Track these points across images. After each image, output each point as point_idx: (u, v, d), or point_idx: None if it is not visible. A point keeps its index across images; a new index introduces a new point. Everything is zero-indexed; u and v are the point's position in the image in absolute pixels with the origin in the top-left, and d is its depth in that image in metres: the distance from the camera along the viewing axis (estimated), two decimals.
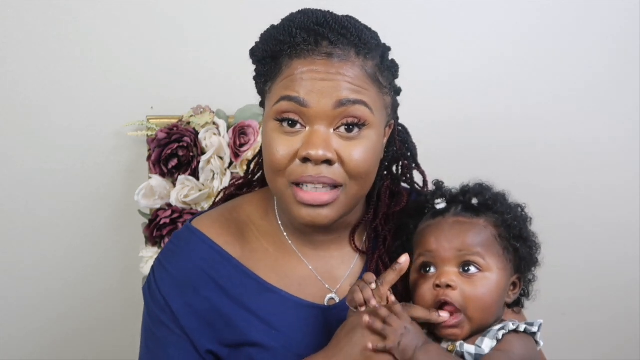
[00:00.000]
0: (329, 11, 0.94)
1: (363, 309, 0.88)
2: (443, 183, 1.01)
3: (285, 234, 1.02)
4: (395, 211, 1.03)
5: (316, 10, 0.94)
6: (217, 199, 1.14)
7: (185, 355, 0.97)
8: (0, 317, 1.66)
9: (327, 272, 1.02)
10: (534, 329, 0.89)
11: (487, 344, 0.86)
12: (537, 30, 1.67)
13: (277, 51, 0.92)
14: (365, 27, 0.96)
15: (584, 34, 1.68)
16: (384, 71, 0.95)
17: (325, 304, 1.00)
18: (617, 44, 1.69)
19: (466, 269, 0.89)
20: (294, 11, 0.96)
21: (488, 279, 0.89)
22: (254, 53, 0.96)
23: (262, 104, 0.99)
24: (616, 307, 1.88)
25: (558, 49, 1.68)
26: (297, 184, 0.91)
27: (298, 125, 0.90)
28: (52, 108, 1.54)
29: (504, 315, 0.95)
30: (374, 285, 0.89)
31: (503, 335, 0.87)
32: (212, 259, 0.99)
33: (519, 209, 0.97)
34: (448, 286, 0.88)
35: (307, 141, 0.89)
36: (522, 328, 0.88)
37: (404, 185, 1.08)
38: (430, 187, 1.04)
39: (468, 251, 0.89)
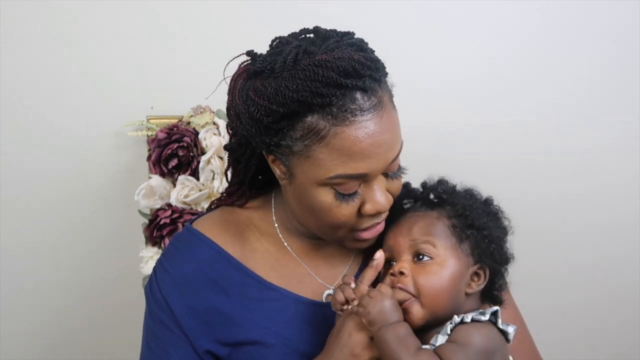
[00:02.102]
0: (336, 52, 0.86)
1: (346, 307, 0.89)
2: (411, 185, 1.03)
3: (282, 237, 1.03)
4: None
5: (327, 58, 0.85)
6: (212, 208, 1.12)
7: (184, 356, 0.98)
8: (0, 317, 1.66)
9: (327, 270, 1.03)
10: (484, 317, 0.88)
11: (440, 340, 0.86)
12: (536, 36, 1.67)
13: (299, 112, 0.85)
14: (361, 42, 0.92)
15: (583, 40, 1.68)
16: (386, 79, 0.93)
17: (324, 300, 1.01)
18: (617, 50, 1.69)
19: (419, 257, 0.91)
20: (295, 61, 0.86)
21: (440, 265, 0.91)
22: (268, 116, 0.86)
23: (261, 144, 0.91)
24: (616, 307, 1.88)
25: (558, 54, 1.68)
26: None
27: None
28: (52, 108, 1.55)
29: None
30: (353, 285, 0.91)
31: (451, 328, 0.87)
32: (212, 259, 1.00)
33: (481, 202, 0.98)
34: (401, 273, 0.90)
35: (373, 199, 0.89)
36: (468, 318, 0.88)
37: None
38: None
39: (419, 240, 0.92)
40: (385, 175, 0.91)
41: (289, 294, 1.00)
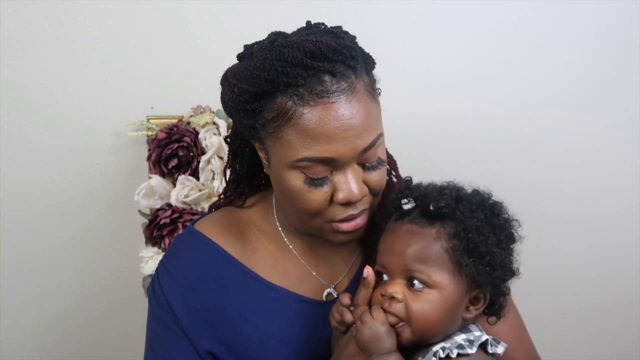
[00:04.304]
0: (310, 36, 0.88)
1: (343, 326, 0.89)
2: (411, 181, 0.96)
3: (284, 235, 1.03)
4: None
5: (297, 40, 0.87)
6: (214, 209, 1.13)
7: (186, 357, 0.98)
8: (0, 317, 1.66)
9: (327, 269, 1.04)
10: (470, 350, 0.83)
11: None
12: (527, 28, 1.68)
13: (267, 91, 0.86)
14: (342, 32, 0.93)
15: (572, 32, 1.70)
16: (369, 71, 0.93)
17: (324, 299, 1.01)
18: (603, 42, 1.70)
19: (413, 282, 0.86)
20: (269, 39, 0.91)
21: (434, 295, 0.85)
22: (241, 96, 0.89)
23: (244, 128, 0.94)
24: (616, 307, 1.88)
25: (547, 47, 1.69)
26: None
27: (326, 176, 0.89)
28: (52, 108, 1.54)
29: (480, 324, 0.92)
30: (352, 308, 0.90)
31: None
32: (213, 259, 1.00)
33: (487, 215, 0.88)
34: (393, 298, 0.85)
35: (344, 187, 0.88)
36: (454, 354, 0.83)
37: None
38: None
39: (413, 266, 0.85)
40: (363, 166, 0.90)
41: (290, 293, 1.00)
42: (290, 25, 0.96)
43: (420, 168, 1.04)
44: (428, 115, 1.66)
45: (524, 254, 0.96)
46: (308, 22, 0.95)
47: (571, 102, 1.73)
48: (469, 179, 0.97)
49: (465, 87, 1.68)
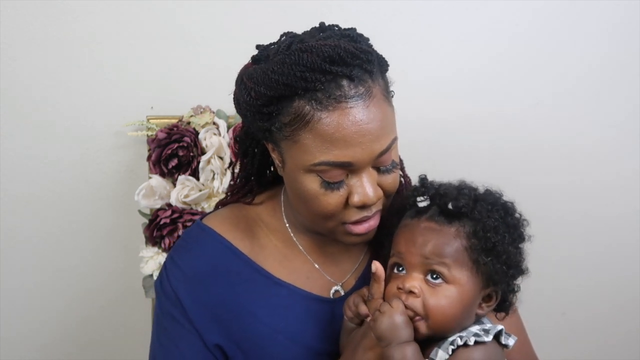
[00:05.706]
0: (327, 40, 0.88)
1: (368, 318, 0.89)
2: (426, 179, 0.97)
3: (292, 233, 1.04)
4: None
5: (315, 45, 0.87)
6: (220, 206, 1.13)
7: (195, 350, 0.98)
8: (0, 317, 1.66)
9: (335, 267, 1.04)
10: (487, 338, 0.85)
11: (440, 356, 0.85)
12: (529, 28, 1.68)
13: (285, 95, 0.86)
14: (357, 35, 0.93)
15: (577, 34, 1.69)
16: (384, 74, 0.94)
17: (331, 296, 1.02)
18: (610, 42, 1.70)
19: (432, 276, 0.87)
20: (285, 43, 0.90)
21: (452, 291, 0.86)
22: (258, 99, 0.89)
23: (258, 130, 0.94)
24: (616, 307, 1.88)
25: (549, 47, 1.69)
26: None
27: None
28: (52, 108, 1.54)
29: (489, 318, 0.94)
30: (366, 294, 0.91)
31: (453, 350, 0.84)
32: (222, 254, 1.01)
33: (502, 215, 0.90)
34: (411, 292, 0.87)
35: (360, 191, 0.89)
36: (471, 341, 0.84)
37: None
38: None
39: (433, 260, 0.87)
40: (377, 169, 0.91)
41: (298, 290, 1.01)
42: (290, 25, 0.96)
43: (421, 168, 1.04)
44: (428, 116, 1.66)
45: (524, 254, 0.97)
46: (322, 24, 0.95)
47: (577, 104, 1.72)
48: (469, 179, 0.97)
49: (466, 87, 1.68)
